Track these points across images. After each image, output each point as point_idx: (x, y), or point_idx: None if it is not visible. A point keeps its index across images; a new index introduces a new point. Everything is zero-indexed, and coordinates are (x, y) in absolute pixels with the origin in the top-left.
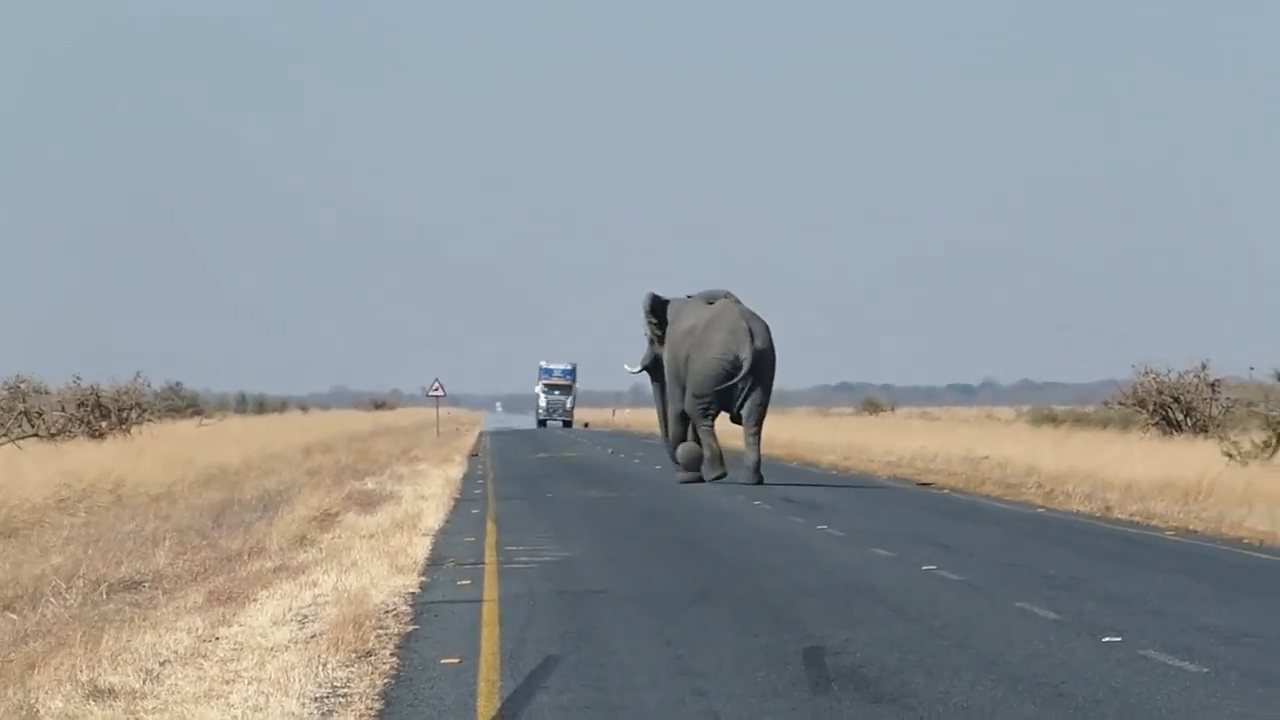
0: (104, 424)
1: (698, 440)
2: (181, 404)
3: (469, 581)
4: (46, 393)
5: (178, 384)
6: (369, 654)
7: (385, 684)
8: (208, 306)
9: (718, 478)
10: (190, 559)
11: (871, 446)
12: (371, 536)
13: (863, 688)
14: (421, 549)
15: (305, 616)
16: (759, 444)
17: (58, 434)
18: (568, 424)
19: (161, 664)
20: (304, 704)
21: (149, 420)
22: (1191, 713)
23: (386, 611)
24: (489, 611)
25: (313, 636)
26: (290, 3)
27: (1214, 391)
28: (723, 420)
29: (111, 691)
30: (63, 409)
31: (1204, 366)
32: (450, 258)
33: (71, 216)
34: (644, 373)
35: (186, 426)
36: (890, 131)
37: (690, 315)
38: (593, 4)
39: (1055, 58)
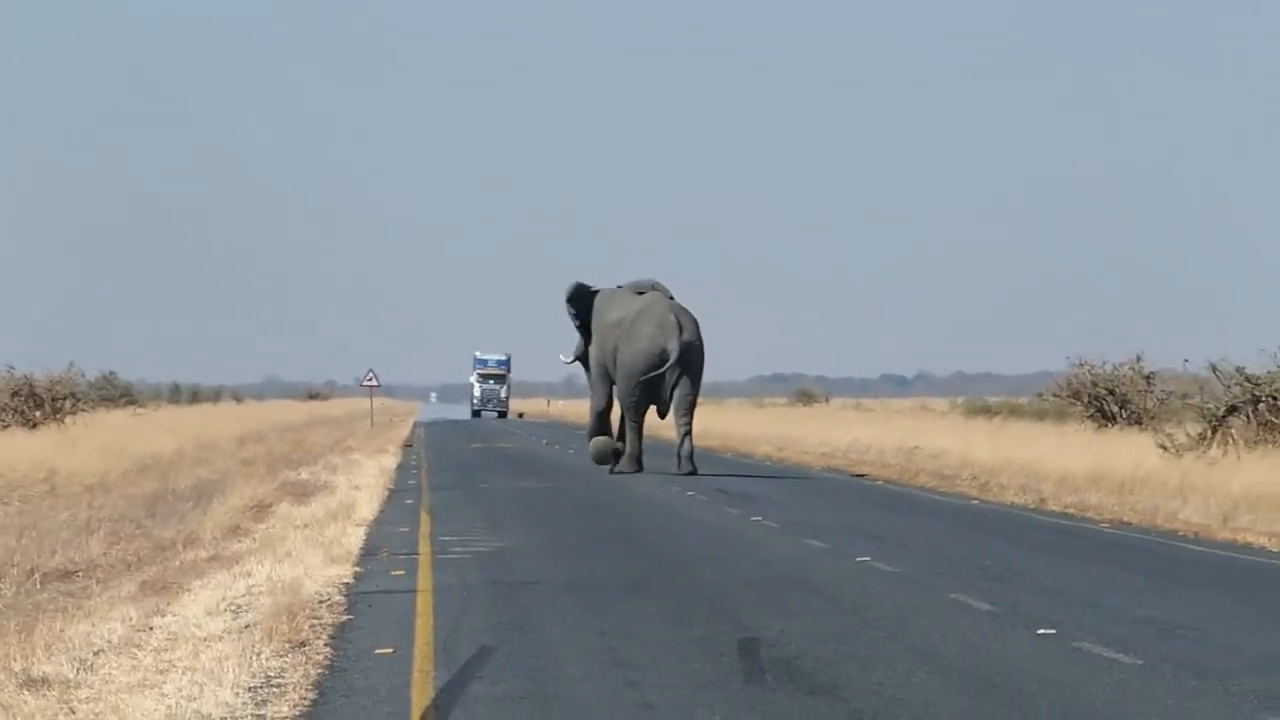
0: (38, 414)
1: (622, 435)
2: (115, 394)
3: (403, 572)
4: None
5: (112, 374)
6: (303, 644)
7: (319, 674)
8: (142, 298)
9: (635, 471)
10: (124, 548)
11: (806, 438)
12: (305, 526)
13: (797, 679)
14: (356, 539)
15: (239, 606)
16: (691, 434)
17: None
18: (502, 414)
19: (95, 653)
20: (238, 694)
21: (83, 410)
22: (1126, 705)
23: (320, 601)
24: (423, 602)
25: (247, 626)
26: (291, 3)
27: (1149, 384)
28: (652, 415)
29: (45, 681)
30: None
31: (1139, 359)
32: (386, 249)
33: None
34: (578, 363)
35: (120, 416)
36: (867, 125)
37: (619, 307)
38: (593, 4)
39: (1055, 58)
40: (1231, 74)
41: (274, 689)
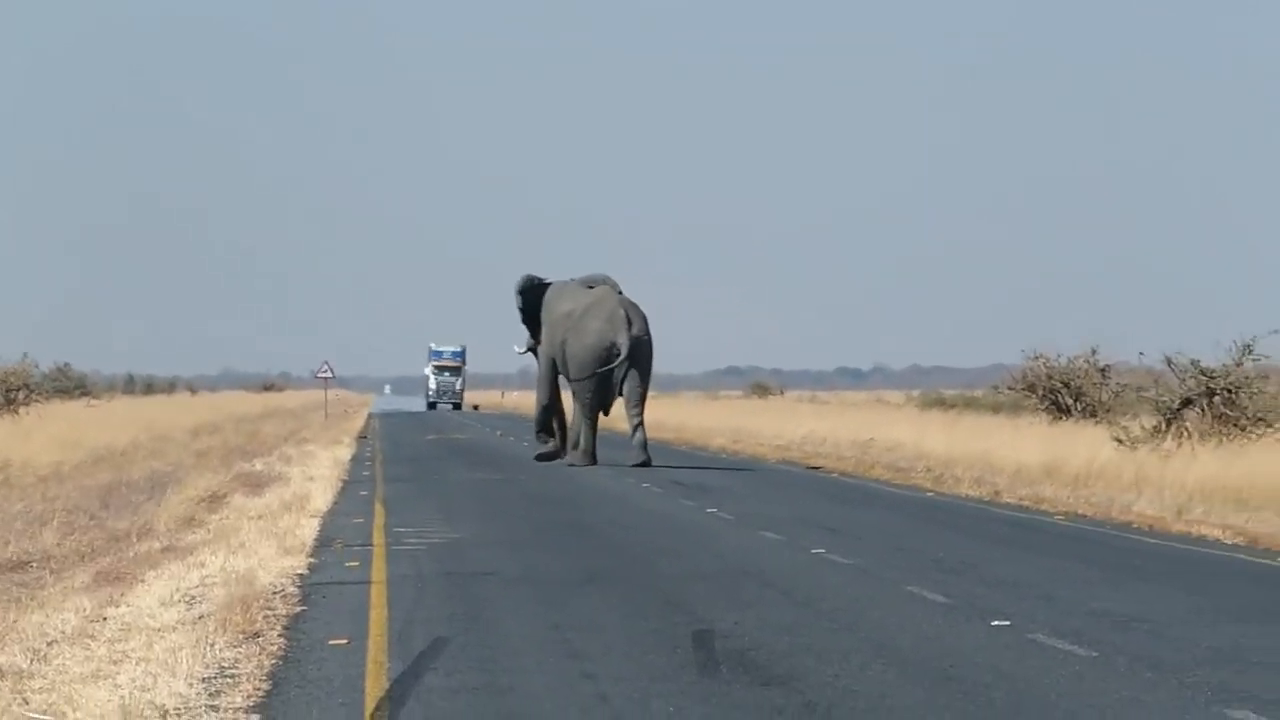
0: None
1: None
2: (70, 385)
3: (357, 563)
4: None
5: (66, 365)
6: (257, 635)
7: (273, 665)
8: (96, 291)
9: (588, 464)
10: (78, 539)
11: (761, 430)
12: (260, 518)
13: (752, 671)
14: (310, 530)
15: (193, 597)
16: (643, 425)
17: None
18: (457, 406)
19: (49, 644)
20: (191, 684)
21: (37, 401)
22: (1080, 696)
23: (274, 593)
24: (377, 593)
25: (200, 617)
26: (289, 3)
27: (1104, 376)
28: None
29: None
30: None
31: (1094, 351)
32: (340, 241)
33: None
34: (531, 354)
35: (75, 407)
36: (833, 121)
37: (568, 300)
38: (592, 4)
39: (1055, 57)
40: (1231, 74)
41: (228, 680)
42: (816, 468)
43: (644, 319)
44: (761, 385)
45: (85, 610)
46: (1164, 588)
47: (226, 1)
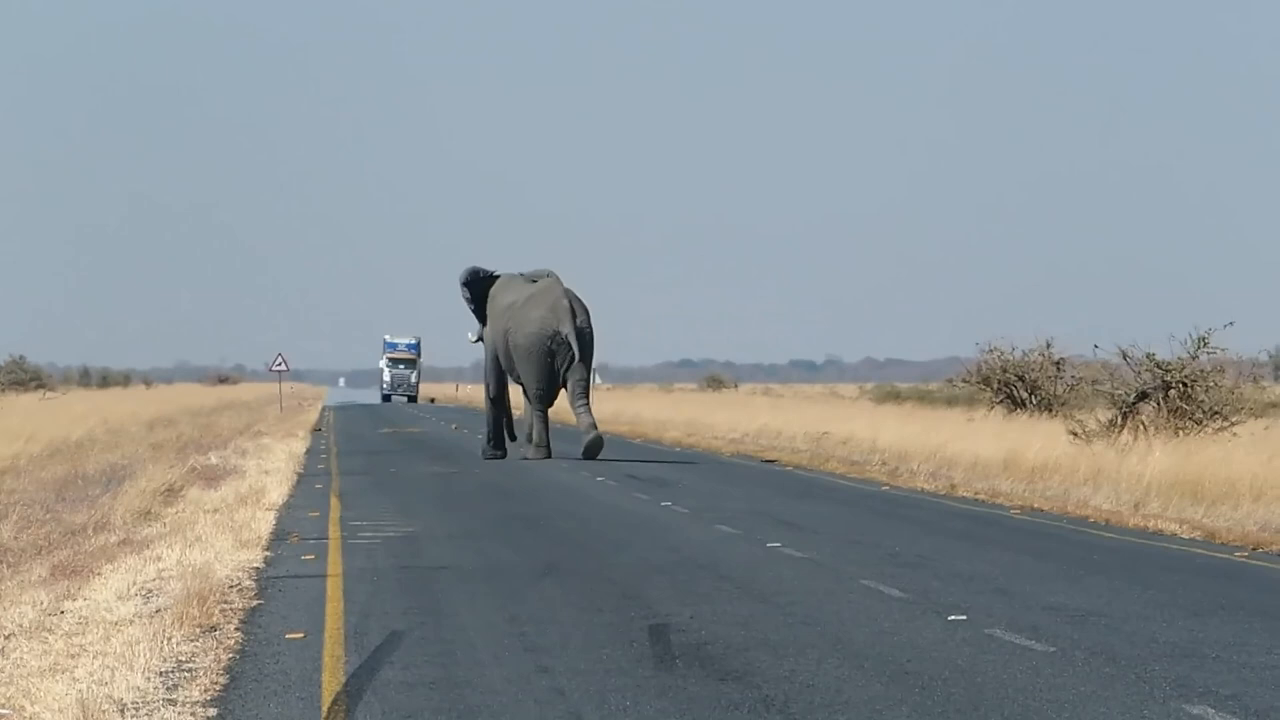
0: None
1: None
2: (25, 378)
3: (313, 557)
4: None
5: (21, 358)
6: (213, 629)
7: (230, 659)
8: (50, 281)
9: (542, 458)
10: (34, 533)
11: (715, 423)
12: (215, 511)
13: (707, 665)
14: (265, 524)
15: (150, 591)
16: (590, 410)
17: None
18: (412, 399)
19: (6, 637)
20: (149, 678)
21: None
22: (1038, 692)
23: (231, 586)
24: (333, 587)
25: (157, 611)
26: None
27: (1059, 370)
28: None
29: None
30: None
31: (1049, 345)
32: (292, 235)
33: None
34: (482, 343)
35: (30, 400)
36: (779, 110)
37: (512, 291)
38: (593, 4)
39: (1000, 48)
40: (1232, 74)
41: (185, 673)
42: (771, 461)
43: (586, 311)
44: (715, 378)
45: (42, 604)
46: (1121, 582)
47: (225, 2)
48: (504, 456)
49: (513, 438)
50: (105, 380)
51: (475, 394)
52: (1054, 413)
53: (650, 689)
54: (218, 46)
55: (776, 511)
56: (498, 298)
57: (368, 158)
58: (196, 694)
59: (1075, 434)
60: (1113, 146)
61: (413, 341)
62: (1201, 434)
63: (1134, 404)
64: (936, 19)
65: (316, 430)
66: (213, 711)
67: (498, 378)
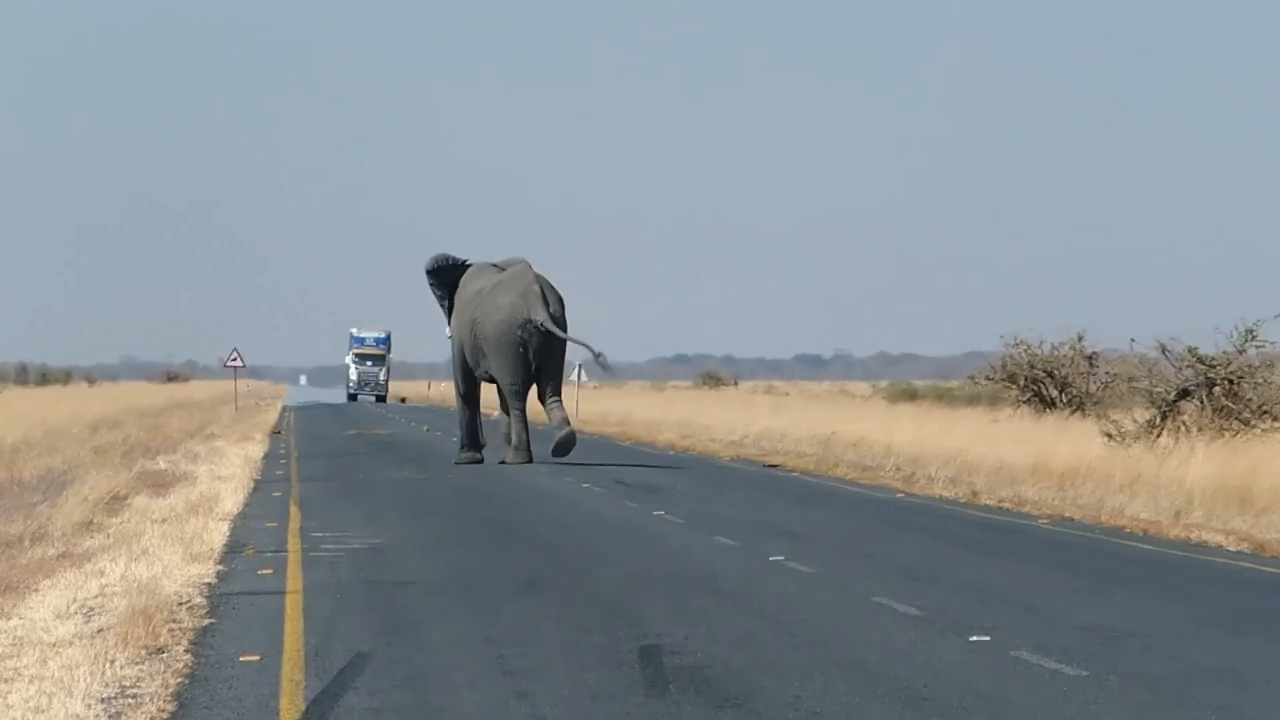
0: None
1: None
2: None
3: (271, 571)
4: None
5: None
6: (161, 650)
7: (179, 683)
8: None
9: (521, 462)
10: None
11: (712, 424)
12: (164, 521)
13: (704, 690)
14: (219, 535)
15: (91, 609)
16: (562, 405)
17: None
18: (381, 398)
19: None
20: (89, 705)
21: None
22: None
23: (180, 603)
24: (292, 604)
25: (100, 631)
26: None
27: (1091, 365)
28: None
29: None
30: None
31: (1080, 338)
32: (250, 220)
33: None
34: None
35: None
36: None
37: (481, 279)
38: (593, 4)
39: (1001, 46)
40: (1232, 73)
41: (129, 700)
42: (774, 466)
43: (560, 300)
44: (713, 374)
45: None
46: (1160, 599)
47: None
48: (480, 461)
49: (482, 443)
50: (44, 378)
51: (449, 392)
52: (1086, 412)
53: (641, 717)
54: (218, 46)
55: (779, 521)
56: (466, 286)
57: (368, 158)
58: None
59: (1110, 436)
60: (1113, 146)
61: (382, 335)
62: (1249, 435)
63: (1175, 403)
64: (936, 19)
65: (275, 432)
66: None
67: (466, 373)
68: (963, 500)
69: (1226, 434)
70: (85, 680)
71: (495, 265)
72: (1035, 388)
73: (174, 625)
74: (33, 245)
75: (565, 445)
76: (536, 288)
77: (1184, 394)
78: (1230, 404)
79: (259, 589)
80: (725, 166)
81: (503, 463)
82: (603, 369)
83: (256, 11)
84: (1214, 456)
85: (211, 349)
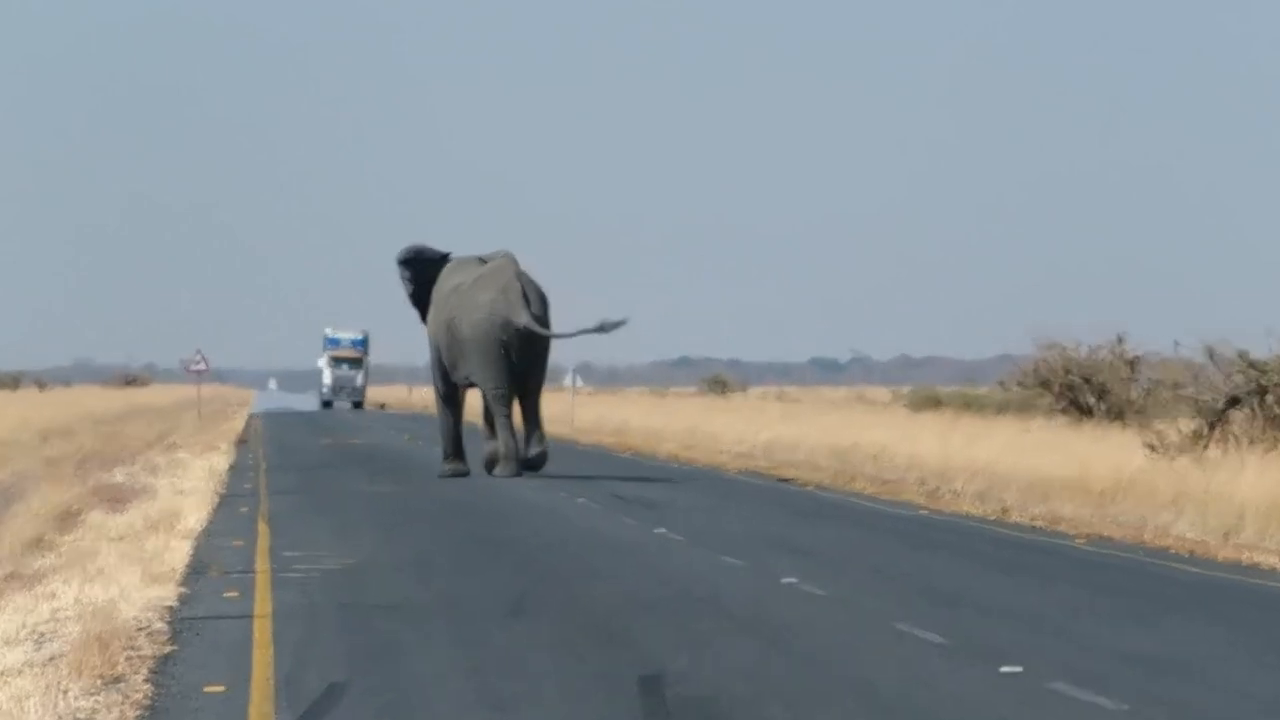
0: None
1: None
2: None
3: (237, 593)
4: None
5: None
6: (118, 680)
7: (137, 716)
8: None
9: (510, 475)
10: None
11: (719, 434)
12: (121, 539)
13: None
14: (180, 554)
15: (42, 635)
16: (540, 418)
17: None
18: (358, 405)
19: None
20: None
21: None
22: None
23: (139, 629)
24: (261, 629)
25: (51, 659)
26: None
27: (1133, 370)
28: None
29: None
30: None
31: (1120, 340)
32: (216, 214)
33: None
34: None
35: None
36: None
37: (460, 274)
38: (593, 4)
39: (1034, 49)
40: (1231, 73)
41: None
42: (787, 479)
43: (543, 299)
44: (719, 379)
45: None
46: (1208, 625)
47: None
48: (466, 473)
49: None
50: None
51: (432, 398)
52: (1127, 422)
53: None
54: (218, 46)
55: (791, 539)
56: (444, 281)
57: (368, 158)
58: None
59: (1153, 447)
60: (1113, 146)
61: (359, 337)
62: None
63: (1224, 412)
64: (936, 19)
65: (242, 442)
66: None
67: (444, 374)
68: (992, 517)
69: None
70: (36, 712)
71: (479, 258)
72: (1071, 394)
73: (132, 652)
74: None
75: (536, 464)
76: (518, 284)
77: (1234, 402)
78: None
79: (224, 613)
80: (730, 164)
81: (493, 474)
82: (609, 328)
83: (256, 11)
84: (1267, 470)
85: (173, 351)
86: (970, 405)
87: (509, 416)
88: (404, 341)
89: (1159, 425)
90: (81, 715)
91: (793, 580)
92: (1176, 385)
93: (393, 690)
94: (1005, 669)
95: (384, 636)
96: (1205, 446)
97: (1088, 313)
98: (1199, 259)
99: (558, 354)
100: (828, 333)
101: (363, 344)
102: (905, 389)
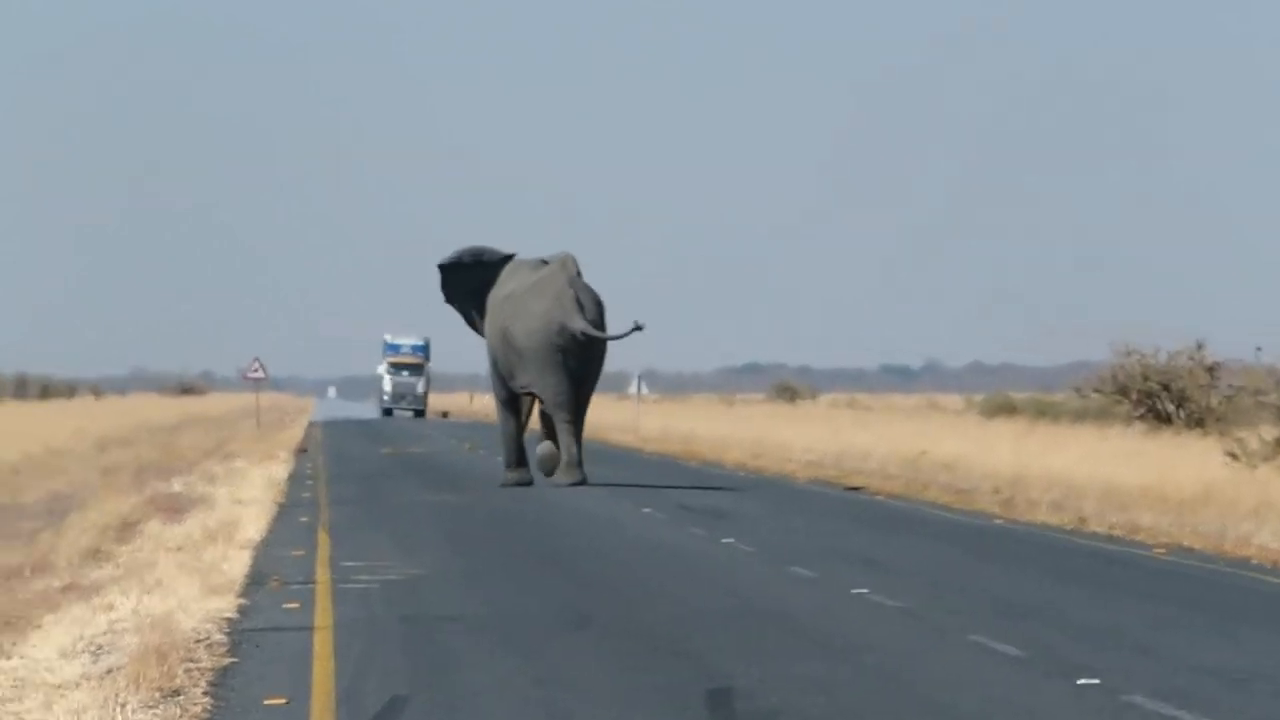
0: None
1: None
2: None
3: (297, 605)
4: None
5: None
6: (177, 693)
7: None
8: None
9: (573, 483)
10: None
11: (788, 442)
12: (179, 549)
13: None
14: (240, 565)
15: (100, 647)
16: (579, 439)
17: None
18: (419, 413)
19: None
20: None
21: None
22: None
23: (198, 640)
24: (321, 641)
25: (109, 671)
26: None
27: (1212, 377)
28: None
29: None
30: None
31: (1200, 346)
32: (274, 220)
33: None
34: None
35: None
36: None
37: (514, 279)
38: (593, 4)
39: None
40: (1232, 71)
41: None
42: (857, 488)
43: (598, 305)
44: (788, 386)
45: None
46: None
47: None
48: (530, 482)
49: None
50: (46, 391)
51: (494, 406)
52: (1207, 429)
53: None
54: (218, 46)
55: (862, 550)
56: (500, 286)
57: (368, 158)
58: None
59: (1234, 456)
60: (1193, 150)
61: (420, 343)
62: None
63: None
64: (937, 18)
65: (302, 451)
66: None
67: (503, 379)
68: (1069, 527)
69: None
70: None
71: (541, 260)
72: (1149, 402)
73: (191, 665)
74: (31, 247)
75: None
76: (570, 291)
77: None
78: None
79: (284, 624)
80: (801, 169)
81: (548, 476)
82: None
83: (256, 11)
84: None
85: (230, 359)
86: (1045, 412)
87: (570, 422)
88: (465, 349)
89: (1239, 433)
90: None
91: (863, 592)
92: (1258, 392)
93: (454, 703)
94: (1082, 681)
95: (445, 649)
96: None
97: (1167, 318)
98: (1197, 258)
99: (623, 360)
100: (899, 339)
101: (424, 350)
102: (978, 396)
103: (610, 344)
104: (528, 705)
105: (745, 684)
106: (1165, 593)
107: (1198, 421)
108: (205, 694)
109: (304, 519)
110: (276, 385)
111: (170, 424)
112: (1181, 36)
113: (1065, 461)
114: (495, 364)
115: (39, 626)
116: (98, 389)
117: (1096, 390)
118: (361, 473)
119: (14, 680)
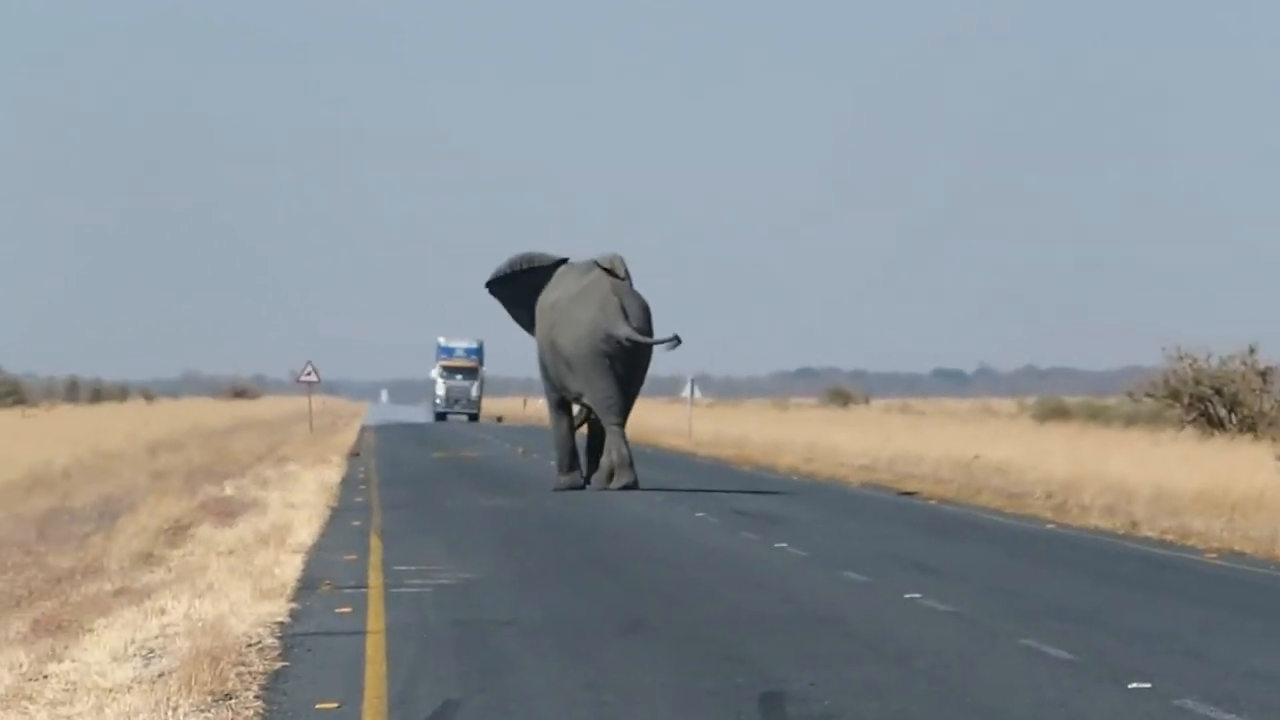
0: None
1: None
2: (1, 391)
3: (349, 609)
4: None
5: None
6: (228, 696)
7: None
8: (35, 278)
9: (625, 486)
10: (11, 579)
11: (841, 446)
12: (231, 553)
13: None
14: (291, 569)
15: (152, 650)
16: (625, 438)
17: None
18: (473, 417)
19: None
20: None
21: None
22: None
23: (249, 645)
24: (373, 645)
25: (160, 675)
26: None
27: (1265, 382)
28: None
29: None
30: None
31: (1252, 351)
32: (325, 223)
33: None
34: None
35: (7, 418)
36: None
37: (561, 285)
38: (593, 4)
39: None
40: (1231, 71)
41: None
42: (910, 493)
43: (644, 311)
44: (841, 391)
45: (22, 666)
46: None
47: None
48: (583, 486)
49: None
50: (98, 394)
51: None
52: (1259, 434)
53: None
54: (218, 46)
55: (915, 554)
56: (549, 291)
57: (368, 158)
58: None
59: None
60: (1113, 146)
61: (473, 346)
62: None
63: None
64: (937, 19)
65: (354, 455)
66: None
67: (552, 390)
68: (1121, 532)
69: None
70: None
71: (594, 262)
72: (1202, 406)
73: (243, 669)
74: (31, 247)
75: (628, 488)
76: (615, 299)
77: None
78: None
79: (336, 629)
80: (849, 173)
81: (604, 488)
82: (676, 342)
83: (256, 11)
84: None
85: (283, 362)
86: (1097, 416)
87: (620, 425)
88: (519, 353)
89: None
90: None
91: (916, 596)
92: None
93: (507, 707)
94: (1133, 686)
95: (498, 653)
96: None
97: (1220, 324)
98: (1198, 258)
99: (678, 364)
100: (953, 343)
101: (477, 353)
102: (1031, 400)
103: (656, 349)
104: (580, 709)
105: (798, 688)
106: (1217, 597)
107: (1250, 426)
108: (257, 698)
109: (356, 523)
110: (329, 389)
111: (222, 428)
112: (1181, 36)
113: (1117, 466)
114: (545, 369)
115: (91, 630)
116: (149, 393)
117: (1149, 394)
118: (414, 476)
119: (66, 684)
